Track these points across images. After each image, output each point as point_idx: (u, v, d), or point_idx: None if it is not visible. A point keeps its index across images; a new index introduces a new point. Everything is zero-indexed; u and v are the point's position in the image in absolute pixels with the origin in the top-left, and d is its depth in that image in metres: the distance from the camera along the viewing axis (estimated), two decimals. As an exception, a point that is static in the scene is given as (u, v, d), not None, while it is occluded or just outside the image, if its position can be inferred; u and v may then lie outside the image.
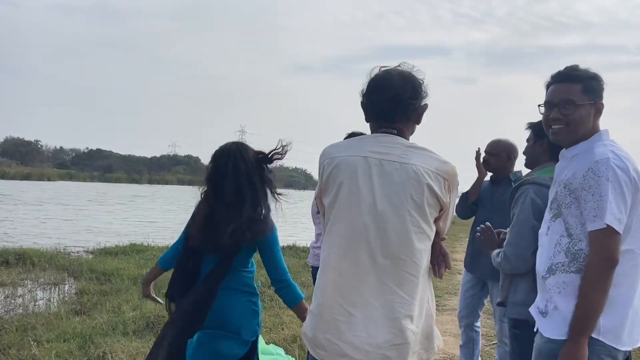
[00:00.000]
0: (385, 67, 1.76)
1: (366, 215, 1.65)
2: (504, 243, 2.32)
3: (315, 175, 2.06)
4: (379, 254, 1.63)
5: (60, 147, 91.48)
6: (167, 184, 74.82)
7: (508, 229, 2.35)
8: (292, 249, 10.24)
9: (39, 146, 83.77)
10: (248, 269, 2.41)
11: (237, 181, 2.28)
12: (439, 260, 1.74)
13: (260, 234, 2.28)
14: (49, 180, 61.04)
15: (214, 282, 2.29)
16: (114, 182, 69.20)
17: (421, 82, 1.74)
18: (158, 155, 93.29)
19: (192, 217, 2.45)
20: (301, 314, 2.35)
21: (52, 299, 5.94)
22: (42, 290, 6.38)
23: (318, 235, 3.32)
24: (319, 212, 1.87)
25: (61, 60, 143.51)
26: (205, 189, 2.38)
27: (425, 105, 1.76)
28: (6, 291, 6.14)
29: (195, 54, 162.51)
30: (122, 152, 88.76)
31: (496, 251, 2.37)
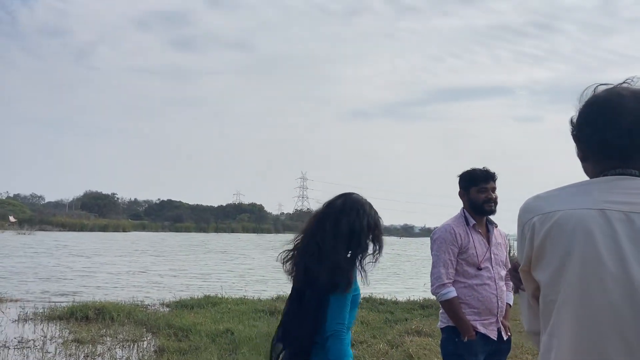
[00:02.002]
0: (605, 84, 1.30)
1: (615, 295, 1.15)
2: None
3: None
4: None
5: (135, 199, 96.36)
6: (232, 231, 76.31)
7: None
8: (369, 301, 9.69)
9: (115, 199, 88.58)
10: None
11: None
12: None
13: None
14: (124, 231, 63.98)
15: None
16: (183, 231, 71.46)
17: None
18: (224, 204, 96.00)
19: None
20: None
21: (131, 357, 5.76)
22: (121, 348, 6.24)
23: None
24: (521, 288, 1.36)
25: (135, 118, 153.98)
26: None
27: None
28: (86, 349, 6.03)
29: (257, 105, 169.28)
30: (191, 202, 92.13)
31: None
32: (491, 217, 3.15)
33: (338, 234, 2.23)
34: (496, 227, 3.17)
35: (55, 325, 7.36)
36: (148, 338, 6.75)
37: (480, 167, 3.08)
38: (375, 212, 2.37)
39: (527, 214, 1.26)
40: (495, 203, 3.06)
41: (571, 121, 1.32)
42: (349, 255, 2.27)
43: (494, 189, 3.07)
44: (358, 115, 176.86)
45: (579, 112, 1.31)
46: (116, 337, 6.70)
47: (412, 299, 10.07)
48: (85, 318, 7.65)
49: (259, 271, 18.56)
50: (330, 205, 2.33)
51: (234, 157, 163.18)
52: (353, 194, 2.38)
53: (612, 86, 1.29)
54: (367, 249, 2.31)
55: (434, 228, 3.22)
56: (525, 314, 1.32)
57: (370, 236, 2.32)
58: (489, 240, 3.09)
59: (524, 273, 1.28)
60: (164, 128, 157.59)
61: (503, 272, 3.06)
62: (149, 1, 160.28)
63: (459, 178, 3.11)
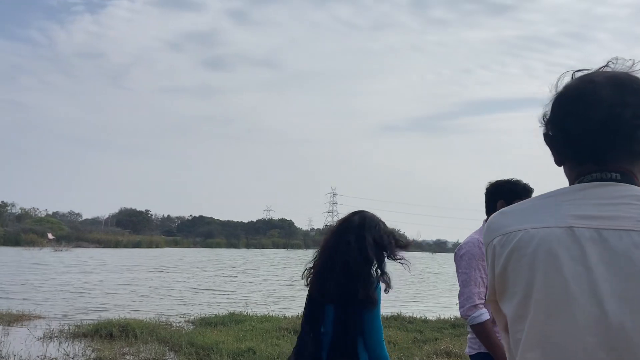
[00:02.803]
0: (582, 70, 1.05)
1: (589, 338, 0.90)
2: None
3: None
4: None
5: (168, 216, 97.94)
6: (262, 247, 76.56)
7: None
8: (397, 319, 9.37)
9: (149, 215, 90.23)
10: None
11: None
12: None
13: None
14: (157, 247, 65.00)
15: None
16: (214, 247, 72.08)
17: None
18: (254, 220, 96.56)
19: None
20: None
21: (151, 377, 5.65)
22: (142, 367, 6.14)
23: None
24: (494, 320, 1.18)
25: (168, 136, 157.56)
26: None
27: None
28: (107, 368, 5.97)
29: (286, 121, 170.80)
30: (222, 218, 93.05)
31: None
32: None
33: (363, 248, 2.25)
34: None
35: (80, 343, 7.35)
36: (170, 357, 6.65)
37: (520, 181, 2.83)
38: (391, 230, 2.44)
39: (488, 234, 1.03)
40: None
41: (543, 118, 1.08)
42: (374, 269, 2.30)
43: None
44: (387, 129, 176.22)
45: (551, 106, 1.06)
46: (138, 356, 6.62)
47: (442, 317, 9.71)
48: (110, 335, 7.62)
49: (284, 288, 18.40)
50: (347, 221, 2.36)
51: (264, 173, 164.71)
52: (366, 211, 2.44)
53: (588, 72, 1.05)
54: (385, 263, 2.36)
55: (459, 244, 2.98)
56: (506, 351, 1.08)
57: (389, 252, 2.35)
58: None
59: (492, 304, 1.06)
60: (195, 146, 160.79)
61: None
62: (180, 23, 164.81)
63: (497, 186, 2.79)
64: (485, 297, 2.75)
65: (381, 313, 2.26)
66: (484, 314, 2.71)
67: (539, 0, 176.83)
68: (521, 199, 2.71)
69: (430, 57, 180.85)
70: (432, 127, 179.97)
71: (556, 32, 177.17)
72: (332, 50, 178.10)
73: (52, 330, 8.05)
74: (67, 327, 8.19)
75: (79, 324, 8.43)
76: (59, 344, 7.30)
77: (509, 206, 1.05)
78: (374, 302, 2.20)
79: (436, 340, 7.57)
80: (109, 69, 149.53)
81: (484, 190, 2.78)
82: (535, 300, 0.94)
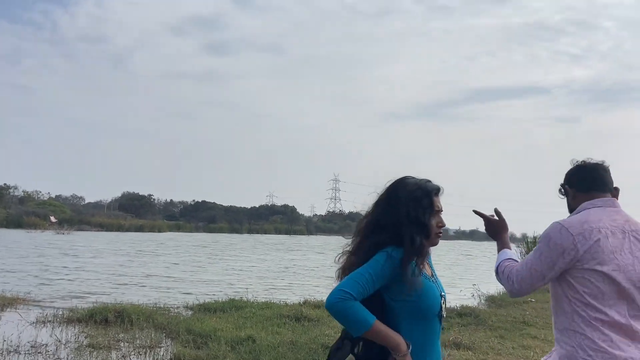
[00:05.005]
0: None
1: None
2: None
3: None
4: None
5: (171, 200, 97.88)
6: (265, 233, 76.53)
7: None
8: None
9: (152, 200, 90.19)
10: None
11: None
12: None
13: None
14: (159, 231, 65.02)
15: None
16: (217, 232, 72.12)
17: None
18: (257, 206, 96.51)
19: None
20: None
21: (145, 366, 5.38)
22: (136, 355, 5.87)
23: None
24: None
25: (171, 121, 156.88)
26: None
27: None
28: (99, 356, 5.69)
29: (290, 107, 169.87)
30: (225, 203, 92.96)
31: None
32: None
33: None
34: None
35: (74, 328, 7.09)
36: (166, 344, 6.38)
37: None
38: None
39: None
40: None
41: None
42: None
43: None
44: (391, 116, 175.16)
45: None
46: (133, 343, 6.34)
47: (448, 305, 9.42)
48: (105, 321, 7.35)
49: (289, 274, 18.15)
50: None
51: (267, 158, 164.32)
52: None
53: None
54: None
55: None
56: None
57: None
58: None
59: None
60: (198, 130, 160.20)
61: None
62: (183, 7, 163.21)
63: (576, 169, 2.23)
64: None
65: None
66: None
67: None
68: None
69: (435, 44, 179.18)
70: (436, 115, 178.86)
71: (561, 20, 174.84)
72: (337, 36, 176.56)
73: (46, 315, 7.80)
74: (61, 312, 7.93)
75: (73, 308, 8.17)
76: (52, 329, 7.04)
77: None
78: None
79: (443, 330, 7.27)
80: (112, 53, 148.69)
81: (596, 165, 2.21)
82: None
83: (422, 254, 1.89)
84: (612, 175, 2.20)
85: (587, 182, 2.16)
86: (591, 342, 1.95)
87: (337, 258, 2.02)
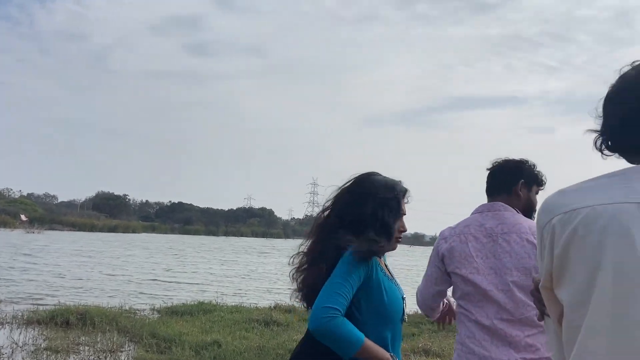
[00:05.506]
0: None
1: None
2: None
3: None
4: None
5: (146, 201, 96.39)
6: (242, 235, 75.89)
7: None
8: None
9: (127, 200, 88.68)
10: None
11: None
12: None
13: None
14: (133, 232, 63.91)
15: None
16: (193, 234, 71.24)
17: None
18: (234, 208, 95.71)
19: None
20: None
21: (104, 371, 5.19)
22: (96, 359, 5.66)
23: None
24: (545, 312, 1.02)
25: (149, 120, 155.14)
26: None
27: None
28: (58, 359, 5.48)
29: (270, 110, 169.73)
30: (202, 205, 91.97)
31: None
32: None
33: None
34: None
35: (33, 330, 6.83)
36: (128, 348, 6.18)
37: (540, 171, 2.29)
38: None
39: (546, 215, 0.95)
40: None
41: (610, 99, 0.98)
42: None
43: None
44: (370, 121, 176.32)
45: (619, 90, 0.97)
46: (94, 347, 6.13)
47: (420, 311, 9.39)
48: (66, 323, 7.10)
49: (259, 279, 17.99)
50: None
51: (245, 161, 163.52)
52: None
53: None
54: None
55: None
56: (553, 346, 1.02)
57: None
58: None
59: (546, 291, 0.99)
60: (177, 131, 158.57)
61: None
62: (165, 6, 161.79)
63: (519, 164, 2.18)
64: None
65: None
66: None
67: (522, 0, 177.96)
68: (538, 186, 2.21)
69: (415, 51, 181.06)
70: (414, 121, 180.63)
71: (538, 32, 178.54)
72: (319, 40, 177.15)
73: (5, 317, 7.50)
74: (20, 314, 7.64)
75: (34, 310, 7.88)
76: (10, 331, 6.77)
77: (569, 185, 0.97)
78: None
79: (413, 336, 7.24)
80: (90, 51, 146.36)
81: (493, 167, 2.21)
82: (601, 282, 0.86)
83: (378, 256, 1.79)
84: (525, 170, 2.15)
85: (486, 187, 2.22)
86: (462, 340, 2.03)
87: (291, 259, 1.90)
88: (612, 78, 1.00)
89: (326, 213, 1.85)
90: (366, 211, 1.76)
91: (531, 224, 2.06)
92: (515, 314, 1.96)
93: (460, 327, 2.09)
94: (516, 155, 2.24)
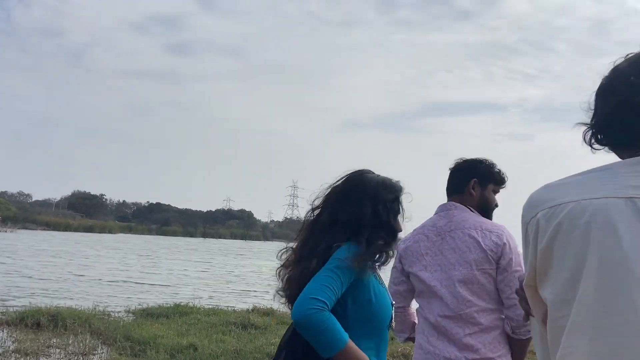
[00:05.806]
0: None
1: None
2: None
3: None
4: None
5: (123, 201, 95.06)
6: (220, 237, 75.33)
7: None
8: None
9: (104, 200, 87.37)
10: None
11: None
12: None
13: None
14: (110, 232, 62.95)
15: None
16: (170, 235, 70.47)
17: None
18: (213, 210, 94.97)
19: None
20: None
21: (75, 374, 5.04)
22: (66, 363, 5.51)
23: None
24: (529, 311, 1.00)
25: (127, 120, 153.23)
26: None
27: None
28: (26, 362, 5.31)
29: (250, 112, 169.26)
30: (180, 206, 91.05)
31: None
32: None
33: None
34: None
35: (2, 332, 6.62)
36: (101, 351, 6.03)
37: (495, 165, 2.25)
38: None
39: (531, 210, 0.94)
40: None
41: (601, 93, 0.96)
42: None
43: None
44: (350, 125, 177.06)
45: (609, 83, 0.95)
46: (65, 349, 5.96)
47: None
48: (37, 325, 6.90)
49: (235, 281, 17.84)
50: None
51: (225, 162, 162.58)
52: None
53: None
54: None
55: None
56: (537, 346, 1.00)
57: None
58: None
59: (530, 290, 0.97)
60: (156, 131, 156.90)
61: None
62: (145, 5, 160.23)
63: (472, 163, 2.19)
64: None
65: None
66: None
67: (502, 8, 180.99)
68: (495, 185, 2.21)
69: (396, 56, 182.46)
70: (394, 125, 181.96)
71: (517, 40, 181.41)
72: (300, 43, 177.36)
73: (-28, 318, 7.26)
74: (-12, 315, 7.41)
75: (3, 310, 7.65)
76: (-23, 332, 6.55)
77: (555, 180, 0.95)
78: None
79: (392, 340, 7.23)
80: (68, 48, 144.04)
81: (452, 168, 2.24)
82: (586, 279, 0.84)
83: (383, 263, 1.70)
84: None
85: (445, 188, 2.24)
86: (416, 336, 2.13)
87: (279, 254, 1.78)
88: (590, 87, 0.98)
89: (317, 212, 1.74)
90: (365, 211, 1.66)
91: (480, 220, 2.08)
92: (456, 309, 1.99)
93: (417, 326, 2.17)
94: (498, 161, 2.22)
